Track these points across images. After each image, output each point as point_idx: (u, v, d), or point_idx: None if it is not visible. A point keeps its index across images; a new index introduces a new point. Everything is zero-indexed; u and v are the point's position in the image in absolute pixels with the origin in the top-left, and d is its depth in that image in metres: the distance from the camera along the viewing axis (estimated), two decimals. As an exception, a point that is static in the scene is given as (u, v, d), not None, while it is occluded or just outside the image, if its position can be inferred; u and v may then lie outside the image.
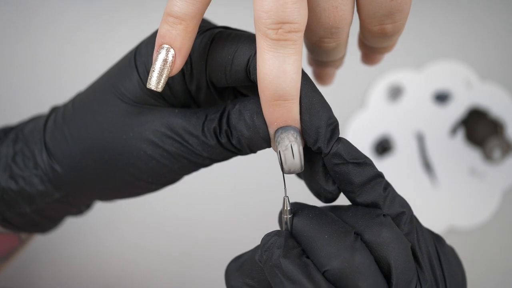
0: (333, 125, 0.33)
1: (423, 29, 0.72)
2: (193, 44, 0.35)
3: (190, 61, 0.36)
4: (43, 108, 0.49)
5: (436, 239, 0.35)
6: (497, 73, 0.72)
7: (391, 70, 0.72)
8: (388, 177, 0.36)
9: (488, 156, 0.71)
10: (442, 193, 0.71)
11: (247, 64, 0.34)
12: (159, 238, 0.70)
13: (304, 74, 0.33)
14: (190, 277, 0.70)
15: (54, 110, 0.42)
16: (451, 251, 0.35)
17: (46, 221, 0.43)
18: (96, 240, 0.70)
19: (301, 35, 0.31)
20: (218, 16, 0.48)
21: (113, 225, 0.70)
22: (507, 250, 0.71)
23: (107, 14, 0.71)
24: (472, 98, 0.72)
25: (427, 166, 0.72)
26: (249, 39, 0.34)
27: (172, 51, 0.34)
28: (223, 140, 0.35)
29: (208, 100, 0.37)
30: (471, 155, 0.71)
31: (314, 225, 0.33)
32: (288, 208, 0.34)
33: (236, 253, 0.36)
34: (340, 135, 0.33)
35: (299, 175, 0.37)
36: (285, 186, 0.35)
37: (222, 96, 0.38)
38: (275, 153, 0.34)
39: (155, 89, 0.34)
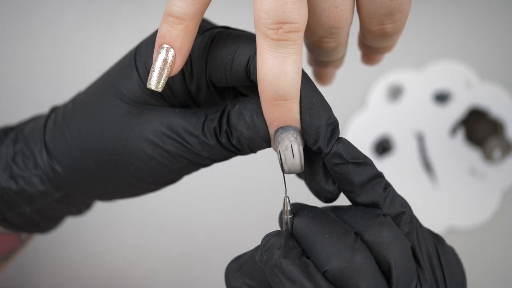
0: (333, 125, 0.33)
1: (423, 29, 0.72)
2: (193, 44, 0.35)
3: (190, 61, 0.36)
4: (43, 108, 0.49)
5: (436, 239, 0.35)
6: (497, 73, 0.72)
7: (391, 70, 0.72)
8: (388, 177, 0.36)
9: (488, 156, 0.71)
10: (442, 193, 0.71)
11: (247, 64, 0.34)
12: (159, 238, 0.70)
13: (304, 74, 0.33)
14: (190, 277, 0.70)
15: (54, 110, 0.42)
16: (451, 251, 0.35)
17: (46, 221, 0.43)
18: (96, 240, 0.70)
19: (301, 35, 0.31)
20: (218, 16, 0.48)
21: (113, 225, 0.70)
22: (507, 250, 0.71)
23: (107, 14, 0.71)
24: (472, 98, 0.72)
25: (427, 166, 0.72)
26: (249, 39, 0.34)
27: (172, 51, 0.34)
28: (223, 140, 0.35)
29: (208, 100, 0.37)
30: (471, 155, 0.71)
31: (314, 225, 0.33)
32: (289, 209, 0.34)
33: (236, 253, 0.36)
34: (340, 135, 0.33)
35: (299, 175, 0.37)
36: (285, 187, 0.35)
37: (222, 96, 0.38)
38: (275, 153, 0.34)
39: (155, 89, 0.34)
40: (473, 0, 0.72)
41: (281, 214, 0.34)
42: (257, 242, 0.34)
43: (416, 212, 0.36)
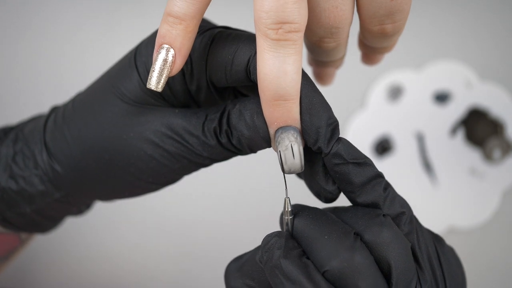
0: (333, 125, 0.33)
1: (423, 29, 0.72)
2: (193, 44, 0.35)
3: (190, 61, 0.36)
4: (43, 108, 0.49)
5: (436, 239, 0.35)
6: (497, 73, 0.72)
7: (391, 70, 0.72)
8: (388, 177, 0.36)
9: (488, 156, 0.71)
10: (442, 193, 0.71)
11: (247, 64, 0.34)
12: (159, 238, 0.70)
13: (304, 74, 0.33)
14: (190, 277, 0.70)
15: (54, 110, 0.42)
16: (451, 251, 0.35)
17: (46, 221, 0.43)
18: (96, 240, 0.70)
19: (301, 35, 0.31)
20: (218, 16, 0.48)
21: (113, 225, 0.70)
22: (507, 250, 0.71)
23: (107, 14, 0.71)
24: (472, 98, 0.72)
25: (427, 166, 0.72)
26: (249, 39, 0.34)
27: (172, 51, 0.34)
28: (223, 140, 0.35)
29: (208, 100, 0.37)
30: (471, 155, 0.71)
31: (314, 226, 0.33)
32: (289, 209, 0.34)
33: (236, 253, 0.36)
34: (340, 135, 0.33)
35: (299, 175, 0.37)
36: (286, 187, 0.35)
37: (222, 96, 0.38)
38: (275, 153, 0.34)
39: (155, 89, 0.34)
40: (473, 0, 0.72)
41: (282, 215, 0.34)
42: (257, 242, 0.34)
43: (416, 212, 0.36)
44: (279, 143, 0.32)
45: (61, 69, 0.70)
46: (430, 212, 0.71)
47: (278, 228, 0.36)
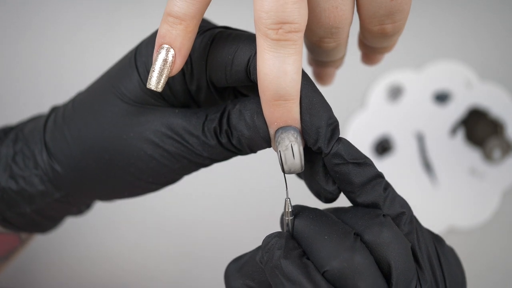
0: (333, 125, 0.33)
1: (423, 29, 0.72)
2: (193, 44, 0.35)
3: (190, 61, 0.36)
4: (43, 108, 0.49)
5: (436, 239, 0.35)
6: (497, 73, 0.72)
7: (391, 70, 0.72)
8: (388, 177, 0.36)
9: (488, 156, 0.71)
10: (442, 193, 0.71)
11: (247, 64, 0.34)
12: (159, 238, 0.70)
13: (304, 74, 0.33)
14: (190, 277, 0.70)
15: (54, 110, 0.42)
16: (451, 252, 0.35)
17: (46, 221, 0.43)
18: (96, 240, 0.70)
19: (301, 35, 0.31)
20: (218, 16, 0.48)
21: (113, 225, 0.70)
22: (507, 250, 0.71)
23: (107, 14, 0.71)
24: (472, 98, 0.72)
25: (427, 166, 0.72)
26: (249, 39, 0.34)
27: (172, 51, 0.34)
28: (224, 140, 0.35)
29: (208, 100, 0.37)
30: (471, 155, 0.71)
31: (314, 226, 0.33)
32: (290, 210, 0.34)
33: (236, 253, 0.36)
34: (340, 135, 0.33)
35: (299, 175, 0.37)
36: (286, 188, 0.35)
37: (222, 96, 0.38)
38: (275, 153, 0.34)
39: (155, 89, 0.34)
40: (473, 0, 0.72)
41: (282, 215, 0.34)
42: (257, 242, 0.34)
43: (416, 212, 0.36)
44: (279, 143, 0.32)
45: (61, 69, 0.70)
46: (430, 212, 0.71)
47: (278, 228, 0.36)
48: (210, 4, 0.34)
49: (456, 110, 0.72)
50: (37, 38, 0.70)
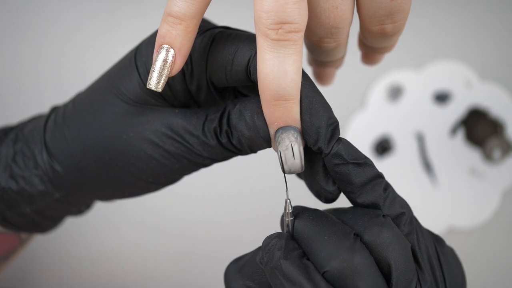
0: (334, 125, 0.33)
1: (423, 29, 0.72)
2: (193, 44, 0.35)
3: (190, 61, 0.36)
4: (43, 108, 0.49)
5: (436, 240, 0.35)
6: (497, 73, 0.72)
7: (391, 70, 0.72)
8: (388, 177, 0.36)
9: (488, 156, 0.71)
10: (442, 193, 0.71)
11: (248, 64, 0.34)
12: (159, 238, 0.70)
13: (304, 74, 0.33)
14: (190, 277, 0.70)
15: (54, 110, 0.42)
16: (450, 252, 0.35)
17: (46, 221, 0.43)
18: (96, 240, 0.70)
19: (301, 35, 0.31)
20: (218, 16, 0.48)
21: (113, 225, 0.70)
22: (507, 250, 0.71)
23: (107, 14, 0.71)
24: (472, 98, 0.72)
25: (427, 166, 0.72)
26: (249, 39, 0.34)
27: (172, 51, 0.34)
28: (224, 140, 0.35)
29: (209, 100, 0.37)
30: (471, 155, 0.71)
31: (314, 227, 0.33)
32: (290, 211, 0.34)
33: (236, 253, 0.36)
34: (340, 135, 0.33)
35: (299, 175, 0.37)
36: (287, 189, 0.35)
37: (222, 96, 0.38)
38: (276, 153, 0.34)
39: (155, 89, 0.34)
40: (473, 0, 0.72)
41: (283, 216, 0.34)
42: (257, 242, 0.34)
43: (416, 212, 0.36)
44: (279, 143, 0.32)
45: (61, 69, 0.70)
46: (430, 212, 0.71)
47: (278, 228, 0.36)
48: (210, 4, 0.34)
49: (456, 110, 0.72)
50: (37, 38, 0.70)
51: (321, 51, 0.38)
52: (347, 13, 0.35)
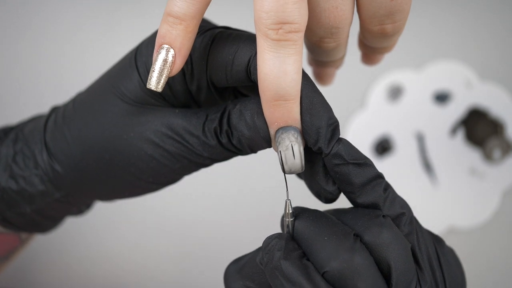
0: (334, 126, 0.33)
1: (423, 29, 0.72)
2: (193, 44, 0.35)
3: (190, 61, 0.36)
4: (43, 108, 0.49)
5: (436, 240, 0.35)
6: (497, 73, 0.72)
7: (391, 70, 0.72)
8: (388, 177, 0.36)
9: (488, 156, 0.71)
10: (442, 193, 0.71)
11: (248, 64, 0.34)
12: (159, 238, 0.70)
13: (304, 74, 0.33)
14: (190, 277, 0.70)
15: (54, 110, 0.42)
16: (450, 252, 0.35)
17: (46, 221, 0.43)
18: (96, 240, 0.70)
19: (301, 35, 0.31)
20: (218, 16, 0.48)
21: (113, 225, 0.70)
22: (507, 250, 0.71)
23: (107, 14, 0.71)
24: (472, 98, 0.72)
25: (427, 166, 0.72)
26: (249, 39, 0.34)
27: (172, 51, 0.34)
28: (224, 140, 0.35)
29: (209, 100, 0.37)
30: (471, 155, 0.71)
31: (314, 227, 0.33)
32: (290, 211, 0.34)
33: (236, 253, 0.36)
34: (340, 135, 0.33)
35: (299, 175, 0.37)
36: (287, 189, 0.35)
37: (222, 96, 0.38)
38: (276, 153, 0.34)
39: (155, 89, 0.34)
40: (473, 0, 0.72)
41: (283, 217, 0.34)
42: (257, 242, 0.34)
43: (416, 212, 0.36)
44: (279, 143, 0.32)
45: (61, 69, 0.70)
46: (430, 212, 0.71)
47: (278, 229, 0.36)
48: (210, 4, 0.34)
49: (456, 110, 0.72)
50: (37, 38, 0.70)
51: (321, 51, 0.38)
52: (347, 13, 0.35)
